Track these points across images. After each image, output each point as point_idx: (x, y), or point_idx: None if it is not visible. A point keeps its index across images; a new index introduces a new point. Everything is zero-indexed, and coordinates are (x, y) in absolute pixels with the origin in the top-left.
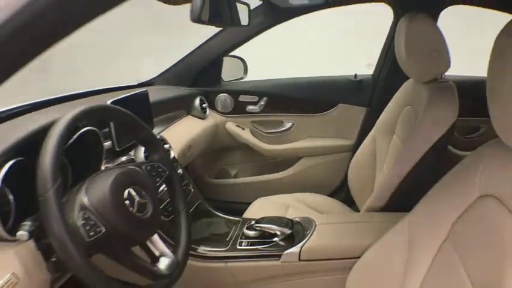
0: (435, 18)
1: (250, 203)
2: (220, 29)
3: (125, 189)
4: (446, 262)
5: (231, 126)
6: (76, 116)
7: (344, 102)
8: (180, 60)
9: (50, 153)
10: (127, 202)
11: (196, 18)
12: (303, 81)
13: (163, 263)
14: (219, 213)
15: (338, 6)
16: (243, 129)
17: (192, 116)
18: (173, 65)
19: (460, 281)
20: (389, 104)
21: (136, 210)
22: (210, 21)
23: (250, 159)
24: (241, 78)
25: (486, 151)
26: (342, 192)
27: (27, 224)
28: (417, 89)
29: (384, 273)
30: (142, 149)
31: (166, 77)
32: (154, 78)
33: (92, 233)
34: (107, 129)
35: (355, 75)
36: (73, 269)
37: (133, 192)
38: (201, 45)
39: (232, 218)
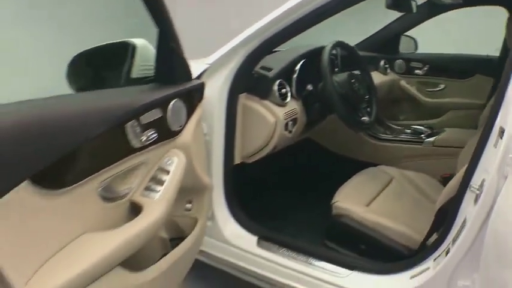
0: None
1: None
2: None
3: (352, 79)
4: None
5: (403, 83)
6: (335, 44)
7: (479, 73)
8: (371, 36)
9: (326, 57)
10: (354, 87)
11: (388, 6)
12: (455, 56)
13: (364, 119)
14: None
15: (472, 6)
16: (411, 86)
17: (377, 71)
18: (365, 39)
19: None
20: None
21: (357, 89)
22: (396, 9)
23: (413, 109)
24: (412, 52)
25: None
26: None
27: (308, 86)
28: None
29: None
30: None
31: (362, 45)
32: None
33: (342, 91)
34: None
35: (487, 55)
36: (329, 102)
37: (356, 83)
38: (384, 26)
39: (397, 127)
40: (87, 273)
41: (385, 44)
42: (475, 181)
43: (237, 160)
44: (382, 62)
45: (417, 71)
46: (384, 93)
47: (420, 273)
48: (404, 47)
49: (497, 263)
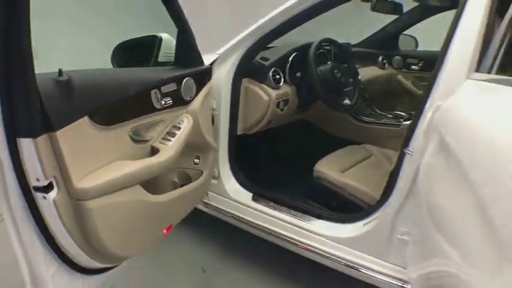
0: None
1: None
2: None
3: (335, 69)
4: None
5: (400, 77)
6: (323, 40)
7: None
8: (371, 36)
9: (313, 50)
10: (336, 76)
11: (373, 9)
12: None
13: (346, 102)
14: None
15: None
16: (407, 80)
17: (375, 66)
18: (366, 38)
19: None
20: None
21: (339, 77)
22: (379, 10)
23: (409, 101)
24: (413, 50)
25: None
26: None
27: (298, 74)
28: None
29: None
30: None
31: (364, 43)
32: (355, 44)
33: (325, 78)
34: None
35: None
36: (314, 87)
37: (339, 73)
38: (384, 27)
39: (381, 112)
40: (118, 179)
41: (385, 42)
42: (411, 146)
43: (239, 131)
44: (380, 58)
45: (413, 67)
46: (380, 85)
47: (371, 221)
48: (404, 45)
49: (429, 219)
